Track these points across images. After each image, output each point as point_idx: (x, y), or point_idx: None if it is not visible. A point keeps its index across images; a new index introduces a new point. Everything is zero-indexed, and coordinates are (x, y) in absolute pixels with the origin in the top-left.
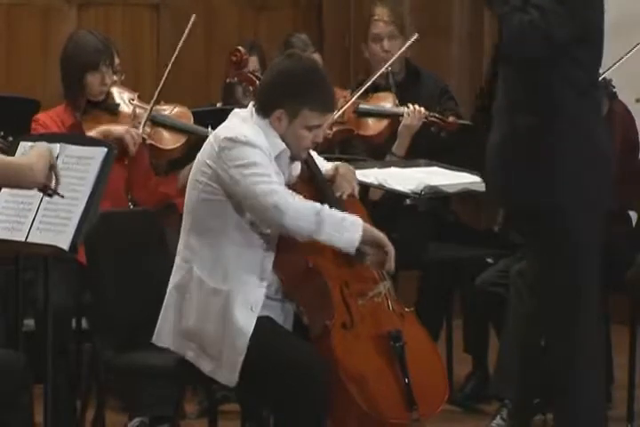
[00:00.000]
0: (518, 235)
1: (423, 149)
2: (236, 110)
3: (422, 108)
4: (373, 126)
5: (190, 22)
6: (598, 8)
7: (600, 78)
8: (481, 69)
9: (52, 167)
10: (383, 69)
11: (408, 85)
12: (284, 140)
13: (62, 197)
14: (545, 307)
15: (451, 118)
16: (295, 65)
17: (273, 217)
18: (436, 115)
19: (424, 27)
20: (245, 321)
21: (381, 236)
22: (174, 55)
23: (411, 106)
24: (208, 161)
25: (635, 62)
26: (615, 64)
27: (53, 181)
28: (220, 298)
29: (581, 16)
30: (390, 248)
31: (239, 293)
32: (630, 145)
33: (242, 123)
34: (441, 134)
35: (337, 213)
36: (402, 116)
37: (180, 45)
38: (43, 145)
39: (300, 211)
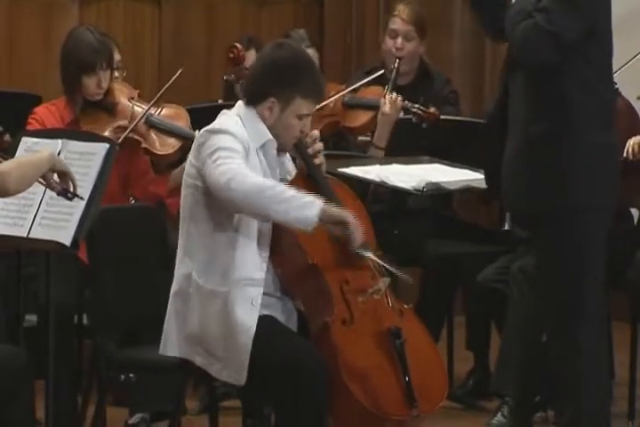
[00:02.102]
0: (521, 231)
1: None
2: (224, 112)
3: (400, 98)
4: (358, 118)
5: (177, 74)
6: (604, 3)
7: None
8: (483, 65)
9: (67, 174)
10: (379, 73)
11: (417, 87)
12: (272, 131)
13: (82, 198)
14: (549, 306)
15: (432, 109)
16: (286, 54)
17: (226, 196)
18: (417, 106)
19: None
20: (247, 318)
21: (342, 214)
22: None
23: (387, 95)
24: (192, 160)
25: (636, 60)
26: (629, 62)
27: (71, 185)
28: (220, 299)
29: (587, 13)
30: (353, 224)
31: (238, 291)
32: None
33: (225, 118)
34: (422, 126)
35: (290, 192)
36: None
37: (164, 88)
38: (42, 154)
39: (251, 189)
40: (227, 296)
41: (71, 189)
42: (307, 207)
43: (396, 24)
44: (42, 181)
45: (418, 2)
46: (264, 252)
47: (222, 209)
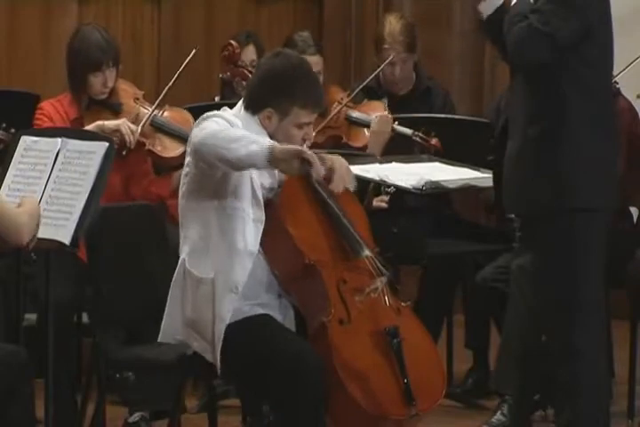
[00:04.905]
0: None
1: None
2: (225, 108)
3: (389, 115)
4: (360, 137)
5: (192, 53)
6: (601, 3)
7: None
8: (482, 62)
9: (36, 229)
10: (373, 75)
11: (413, 98)
12: (273, 139)
13: (34, 260)
14: (547, 306)
15: (434, 140)
16: (283, 63)
17: (192, 148)
18: (420, 134)
19: (424, 19)
20: (225, 307)
21: (296, 147)
22: (175, 75)
23: (379, 113)
24: (188, 149)
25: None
26: (629, 66)
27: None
28: (207, 286)
29: (582, 13)
30: (310, 156)
31: (223, 274)
32: (635, 140)
33: (225, 113)
34: (423, 155)
35: (240, 131)
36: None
37: (180, 70)
38: (35, 204)
39: (207, 134)
40: (212, 283)
41: (30, 244)
42: (256, 142)
43: (391, 55)
44: None
45: (417, 2)
46: (257, 231)
47: (213, 192)
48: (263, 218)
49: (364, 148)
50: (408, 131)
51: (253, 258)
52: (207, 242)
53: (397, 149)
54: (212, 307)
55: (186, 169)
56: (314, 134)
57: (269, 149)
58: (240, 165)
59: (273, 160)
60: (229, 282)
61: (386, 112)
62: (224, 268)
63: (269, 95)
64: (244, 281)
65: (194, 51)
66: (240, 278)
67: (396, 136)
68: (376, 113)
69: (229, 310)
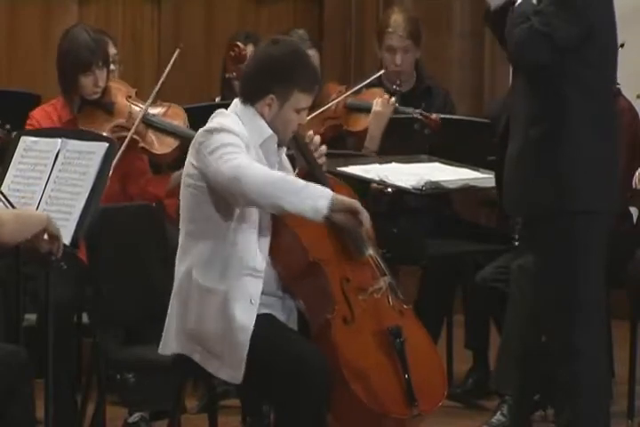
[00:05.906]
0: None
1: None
2: (220, 109)
3: (392, 99)
4: (359, 122)
5: (175, 55)
6: (603, 6)
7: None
8: (482, 64)
9: (57, 238)
10: (380, 73)
11: (413, 97)
12: (270, 127)
13: (63, 267)
14: (547, 307)
15: (434, 115)
16: (279, 49)
17: (235, 189)
18: (421, 111)
19: (424, 19)
20: (246, 316)
21: (353, 202)
22: (162, 77)
23: (379, 97)
24: (192, 161)
25: (635, 58)
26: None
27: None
28: (218, 297)
29: (584, 14)
30: (364, 215)
31: (237, 288)
32: (635, 141)
33: (222, 117)
34: (425, 132)
35: (301, 182)
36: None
37: (166, 71)
38: (41, 214)
39: (262, 181)
40: (225, 294)
41: (57, 254)
42: (318, 197)
43: (394, 40)
44: (32, 238)
45: (417, 3)
46: (265, 246)
47: (225, 207)
48: (270, 231)
49: (365, 131)
50: (409, 109)
51: (264, 270)
52: (217, 255)
53: (397, 131)
54: (221, 318)
55: (189, 186)
56: (311, 128)
57: (331, 203)
58: (296, 214)
59: (332, 213)
60: (246, 294)
61: (386, 96)
62: (238, 282)
63: (270, 81)
64: (259, 292)
65: (177, 51)
66: (255, 291)
67: (396, 119)
68: (376, 98)
69: (252, 319)
